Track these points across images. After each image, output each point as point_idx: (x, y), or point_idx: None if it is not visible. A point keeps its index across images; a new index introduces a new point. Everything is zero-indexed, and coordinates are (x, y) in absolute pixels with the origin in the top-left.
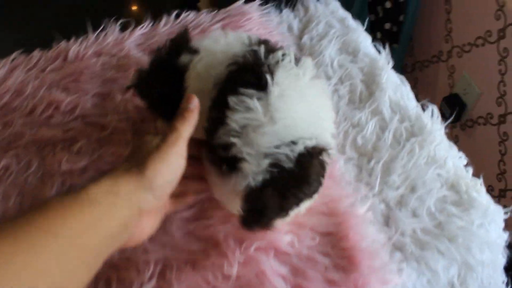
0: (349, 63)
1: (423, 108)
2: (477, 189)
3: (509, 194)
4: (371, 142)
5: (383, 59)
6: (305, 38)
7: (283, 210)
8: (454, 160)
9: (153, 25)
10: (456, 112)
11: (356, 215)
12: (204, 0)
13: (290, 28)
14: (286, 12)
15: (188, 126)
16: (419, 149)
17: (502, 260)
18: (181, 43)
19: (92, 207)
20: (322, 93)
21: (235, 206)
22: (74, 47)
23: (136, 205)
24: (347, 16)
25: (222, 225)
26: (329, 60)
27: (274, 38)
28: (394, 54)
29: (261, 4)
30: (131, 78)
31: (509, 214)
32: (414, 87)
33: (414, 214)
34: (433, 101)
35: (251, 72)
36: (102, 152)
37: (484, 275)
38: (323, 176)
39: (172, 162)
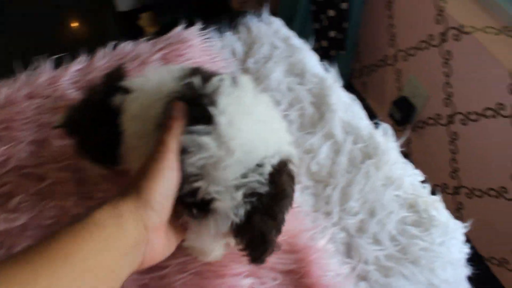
0: (297, 86)
1: (375, 125)
2: (436, 206)
3: (462, 191)
4: (326, 168)
5: (331, 78)
6: (250, 62)
7: (279, 228)
8: (411, 178)
9: (89, 59)
10: (406, 115)
11: (317, 248)
12: (144, 18)
13: (233, 52)
14: (228, 35)
15: (175, 136)
16: (375, 171)
17: (464, 273)
18: (115, 82)
19: (100, 230)
20: (268, 106)
21: (217, 252)
22: (3, 91)
23: (141, 223)
24: (291, 34)
25: (178, 275)
26: (277, 83)
27: (218, 64)
28: (341, 61)
29: (201, 29)
30: (60, 116)
31: (468, 228)
32: (363, 92)
33: (376, 240)
34: (382, 105)
35: (192, 107)
36: (43, 206)
37: None
38: (294, 184)
39: (163, 178)
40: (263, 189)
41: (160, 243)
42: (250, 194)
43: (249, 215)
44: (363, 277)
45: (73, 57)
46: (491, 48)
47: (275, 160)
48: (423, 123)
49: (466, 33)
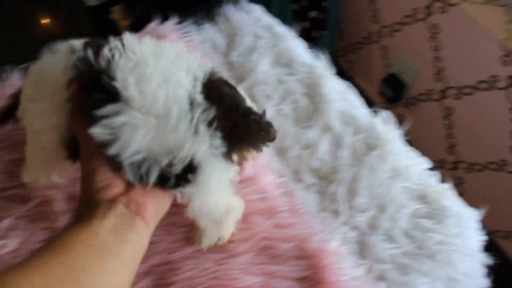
0: (286, 77)
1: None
2: (447, 195)
3: (461, 166)
4: (328, 163)
5: (322, 65)
6: (233, 55)
7: (266, 127)
8: (417, 167)
9: None
10: (397, 92)
11: (329, 252)
12: (116, 12)
13: (214, 45)
14: (207, 27)
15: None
16: (380, 163)
17: (483, 263)
18: None
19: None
20: (156, 45)
21: (230, 227)
22: None
23: (105, 202)
24: (274, 22)
25: None
26: (265, 76)
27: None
28: (324, 41)
29: (178, 23)
30: None
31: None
32: (350, 70)
33: (389, 237)
34: (371, 83)
35: (94, 90)
36: (33, 229)
37: (471, 284)
38: (230, 84)
39: (96, 171)
40: (212, 112)
41: (154, 204)
42: (210, 123)
43: (228, 136)
44: (380, 277)
45: None
46: (479, 19)
47: (199, 87)
48: (415, 99)
49: (452, 4)
